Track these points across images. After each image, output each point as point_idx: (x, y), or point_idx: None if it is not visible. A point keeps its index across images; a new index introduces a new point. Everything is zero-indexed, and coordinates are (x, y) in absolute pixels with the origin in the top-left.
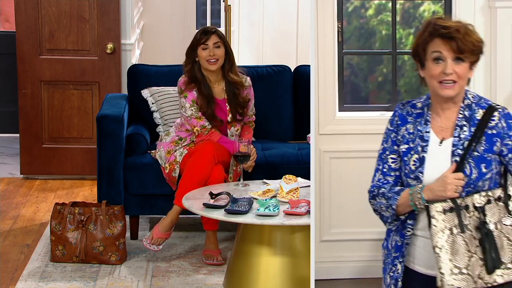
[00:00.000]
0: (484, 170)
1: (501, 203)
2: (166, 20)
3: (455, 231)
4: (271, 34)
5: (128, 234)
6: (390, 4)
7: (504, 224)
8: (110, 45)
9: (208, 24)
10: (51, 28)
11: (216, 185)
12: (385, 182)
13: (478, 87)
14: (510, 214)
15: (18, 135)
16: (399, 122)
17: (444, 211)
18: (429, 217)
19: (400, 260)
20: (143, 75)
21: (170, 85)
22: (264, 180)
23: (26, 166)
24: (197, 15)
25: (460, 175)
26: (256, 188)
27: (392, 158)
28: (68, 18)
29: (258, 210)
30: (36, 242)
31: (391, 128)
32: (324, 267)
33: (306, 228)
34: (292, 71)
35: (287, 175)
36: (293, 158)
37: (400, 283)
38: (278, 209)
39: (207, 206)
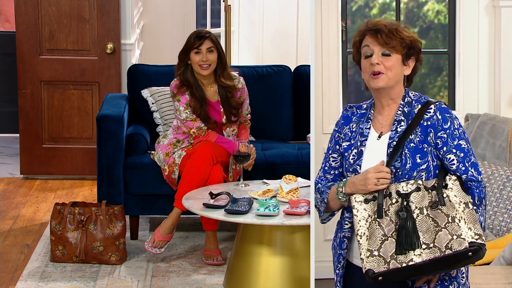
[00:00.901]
0: (418, 160)
1: (434, 192)
2: (166, 20)
3: (373, 217)
4: (271, 34)
5: (128, 234)
6: (394, 4)
7: (432, 209)
8: (110, 45)
9: (208, 24)
10: (51, 28)
11: (216, 185)
12: (324, 179)
13: (482, 87)
14: (443, 201)
15: (18, 135)
16: (342, 122)
17: (366, 201)
18: (352, 207)
19: (344, 256)
20: (143, 75)
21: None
22: (264, 180)
23: (26, 166)
24: (197, 15)
25: (381, 168)
26: (256, 188)
27: (333, 157)
28: (68, 18)
29: (258, 210)
30: (36, 242)
31: (336, 129)
32: (326, 266)
33: (306, 228)
34: (292, 71)
35: (287, 175)
36: (293, 158)
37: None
38: (278, 209)
39: (207, 206)
